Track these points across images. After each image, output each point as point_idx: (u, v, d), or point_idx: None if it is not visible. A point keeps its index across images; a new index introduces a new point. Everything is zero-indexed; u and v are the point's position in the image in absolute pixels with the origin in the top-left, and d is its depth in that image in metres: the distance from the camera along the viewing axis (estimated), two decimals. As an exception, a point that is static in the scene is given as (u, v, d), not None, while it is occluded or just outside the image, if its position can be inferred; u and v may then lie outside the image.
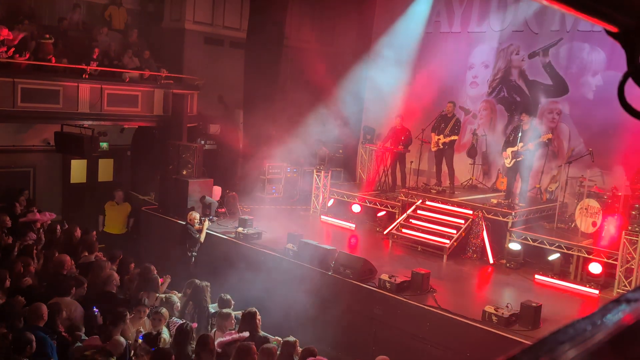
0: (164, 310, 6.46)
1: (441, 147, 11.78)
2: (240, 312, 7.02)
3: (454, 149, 11.96)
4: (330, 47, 16.67)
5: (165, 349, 5.54)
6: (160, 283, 7.87)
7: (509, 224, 10.19)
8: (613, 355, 0.59)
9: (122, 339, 5.68)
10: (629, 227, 8.65)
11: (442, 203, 11.25)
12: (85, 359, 5.27)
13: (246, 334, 6.15)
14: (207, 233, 11.19)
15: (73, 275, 7.44)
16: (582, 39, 11.82)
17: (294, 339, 6.30)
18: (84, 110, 12.47)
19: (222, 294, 7.39)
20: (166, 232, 11.70)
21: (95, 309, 6.45)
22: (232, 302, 7.29)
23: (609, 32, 0.81)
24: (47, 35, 12.65)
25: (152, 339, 5.87)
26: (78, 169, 14.01)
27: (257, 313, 6.63)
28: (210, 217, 11.42)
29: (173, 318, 6.75)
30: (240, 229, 10.78)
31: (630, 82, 0.81)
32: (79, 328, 6.14)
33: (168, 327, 6.48)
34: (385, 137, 12.82)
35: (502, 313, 7.28)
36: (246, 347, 5.61)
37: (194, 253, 10.46)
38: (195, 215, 10.75)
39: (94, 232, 9.52)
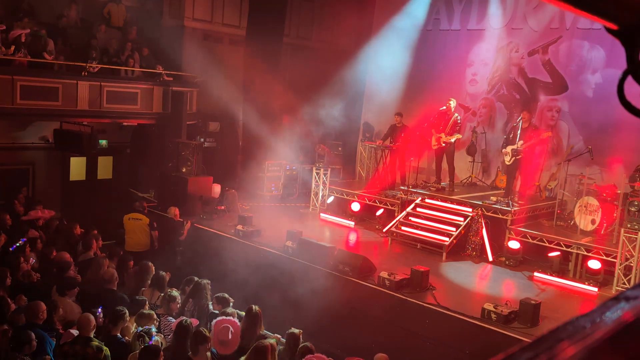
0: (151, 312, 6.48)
1: (442, 145, 11.78)
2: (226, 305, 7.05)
3: (454, 146, 11.96)
4: (329, 44, 16.65)
5: (154, 346, 5.51)
6: (166, 281, 7.88)
7: (508, 222, 10.20)
8: (613, 352, 0.59)
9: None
10: (628, 225, 8.66)
11: (442, 201, 11.26)
12: (75, 356, 5.20)
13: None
14: (207, 231, 11.22)
15: (72, 275, 7.44)
16: (581, 36, 11.81)
17: (298, 330, 6.30)
18: (83, 108, 12.45)
19: (221, 293, 7.39)
20: (176, 230, 11.66)
21: (98, 310, 6.44)
22: (231, 300, 7.30)
23: (608, 30, 0.81)
24: (44, 32, 12.63)
25: (146, 334, 5.85)
26: (77, 167, 14.01)
27: (260, 312, 6.63)
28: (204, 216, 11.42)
29: (169, 318, 6.75)
30: (239, 227, 10.79)
31: (629, 80, 0.81)
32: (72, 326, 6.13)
33: (160, 329, 6.49)
34: (385, 134, 12.80)
35: (501, 310, 7.29)
36: (262, 346, 5.58)
37: (179, 248, 10.49)
38: (176, 211, 10.77)
39: (95, 231, 9.49)
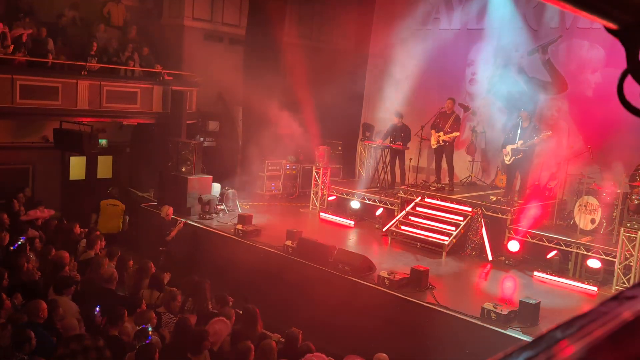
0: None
1: (442, 144, 11.79)
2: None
3: (454, 146, 11.97)
4: (329, 44, 16.66)
5: (150, 345, 5.51)
6: (165, 281, 7.87)
7: (508, 221, 10.20)
8: (612, 351, 0.59)
9: (74, 323, 5.75)
10: (628, 224, 8.66)
11: (441, 200, 11.26)
12: (75, 354, 5.19)
13: None
14: (206, 231, 11.21)
15: (71, 274, 7.44)
16: (581, 36, 11.80)
17: (298, 330, 6.32)
18: (83, 107, 12.47)
19: (220, 292, 7.40)
20: (163, 229, 11.69)
21: (96, 310, 6.43)
22: (231, 300, 7.30)
23: (608, 29, 0.81)
24: (45, 32, 12.64)
25: (143, 333, 5.85)
26: (77, 166, 14.00)
27: (258, 311, 6.63)
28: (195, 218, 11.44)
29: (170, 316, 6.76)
30: (239, 226, 10.78)
31: (629, 79, 0.81)
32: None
33: (160, 327, 6.49)
34: (385, 134, 12.80)
35: (501, 310, 7.30)
36: (245, 347, 5.61)
37: (162, 249, 10.43)
38: (169, 210, 10.74)
39: (98, 232, 9.51)
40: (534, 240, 9.89)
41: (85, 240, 9.04)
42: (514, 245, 10.00)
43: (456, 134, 11.68)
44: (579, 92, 11.86)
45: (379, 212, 12.24)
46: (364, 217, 12.53)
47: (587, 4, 0.77)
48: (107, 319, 6.07)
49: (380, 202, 12.25)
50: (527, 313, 7.34)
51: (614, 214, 9.64)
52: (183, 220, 11.04)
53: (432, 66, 13.75)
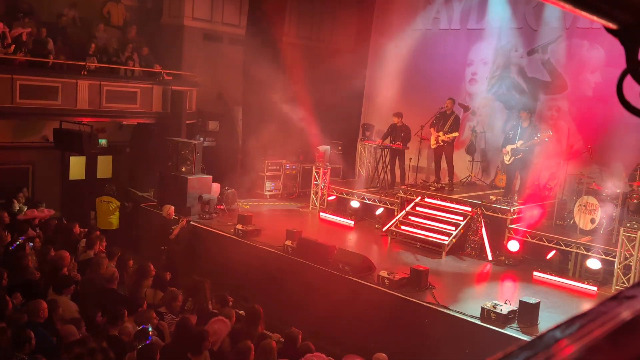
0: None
1: (441, 144, 11.79)
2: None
3: (453, 146, 11.98)
4: (329, 44, 16.65)
5: (151, 345, 5.51)
6: (166, 281, 7.87)
7: (508, 221, 10.20)
8: (611, 351, 0.59)
9: (73, 328, 5.75)
10: (627, 224, 8.66)
11: (441, 200, 11.26)
12: (81, 357, 5.20)
13: None
14: (206, 231, 11.20)
15: (71, 274, 7.44)
16: (581, 36, 11.80)
17: (298, 330, 6.32)
18: (83, 107, 12.47)
19: (220, 292, 7.40)
20: (165, 229, 11.69)
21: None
22: (231, 300, 7.30)
23: (608, 29, 0.81)
24: (44, 31, 12.64)
25: (143, 334, 5.85)
26: (77, 166, 14.00)
27: (262, 311, 6.63)
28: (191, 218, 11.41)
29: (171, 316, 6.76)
30: (239, 226, 10.78)
31: (629, 79, 0.81)
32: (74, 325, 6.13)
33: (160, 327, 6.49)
34: (384, 133, 12.80)
35: (501, 310, 7.30)
36: (245, 346, 5.61)
37: (163, 247, 10.41)
38: (171, 209, 10.71)
39: (98, 232, 9.51)
40: (534, 240, 9.89)
41: (85, 240, 9.04)
42: (513, 245, 10.00)
43: (455, 134, 11.70)
44: (579, 92, 11.86)
45: (378, 212, 12.24)
46: (363, 217, 12.53)
47: (587, 4, 0.77)
48: (107, 318, 6.07)
49: (380, 202, 12.24)
50: (526, 313, 7.34)
51: (614, 214, 9.64)
52: (186, 218, 11.04)
53: (432, 66, 13.76)
